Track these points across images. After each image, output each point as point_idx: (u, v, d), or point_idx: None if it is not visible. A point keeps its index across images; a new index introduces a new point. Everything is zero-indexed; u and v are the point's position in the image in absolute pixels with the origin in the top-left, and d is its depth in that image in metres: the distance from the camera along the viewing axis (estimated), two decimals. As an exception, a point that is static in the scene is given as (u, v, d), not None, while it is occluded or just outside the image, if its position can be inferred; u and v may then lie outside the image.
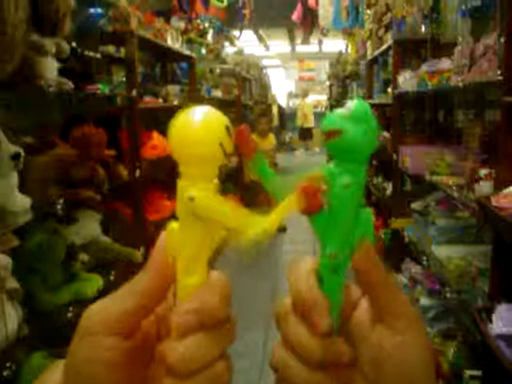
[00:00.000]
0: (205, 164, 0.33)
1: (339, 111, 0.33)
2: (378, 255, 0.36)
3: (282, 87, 15.16)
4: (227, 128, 0.33)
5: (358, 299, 0.38)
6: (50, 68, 1.98)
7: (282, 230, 5.83)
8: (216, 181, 0.34)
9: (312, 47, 12.03)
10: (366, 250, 0.36)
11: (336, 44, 9.59)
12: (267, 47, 12.27)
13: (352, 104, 0.33)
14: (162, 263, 0.35)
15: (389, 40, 3.65)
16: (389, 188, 3.74)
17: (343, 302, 0.37)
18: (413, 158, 2.84)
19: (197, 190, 0.33)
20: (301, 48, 12.79)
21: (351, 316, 0.38)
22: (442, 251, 2.46)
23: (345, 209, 0.34)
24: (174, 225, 0.35)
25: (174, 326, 0.34)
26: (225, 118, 0.33)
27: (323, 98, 13.83)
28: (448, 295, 2.34)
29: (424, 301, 2.63)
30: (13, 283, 1.75)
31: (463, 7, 2.66)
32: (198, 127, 0.32)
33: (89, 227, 2.37)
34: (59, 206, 1.97)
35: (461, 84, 2.20)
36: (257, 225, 0.33)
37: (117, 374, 0.34)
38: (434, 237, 2.58)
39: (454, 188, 2.30)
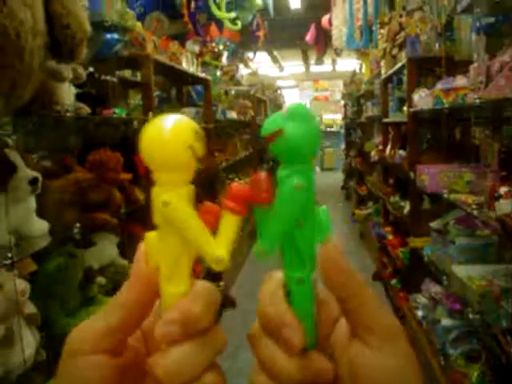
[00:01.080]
0: (177, 168, 0.33)
1: (277, 113, 0.34)
2: (344, 259, 0.34)
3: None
4: (196, 132, 0.33)
5: (340, 313, 0.36)
6: (67, 93, 2.01)
7: None
8: (191, 186, 0.34)
9: (326, 67, 12.09)
10: (327, 254, 0.33)
11: (350, 63, 9.63)
12: (281, 68, 12.36)
13: (289, 105, 0.34)
14: (142, 274, 0.34)
15: (403, 59, 3.65)
16: (406, 207, 3.70)
17: (321, 316, 0.35)
18: (430, 176, 2.81)
19: (171, 195, 0.33)
20: (315, 68, 12.86)
21: (332, 331, 0.36)
22: (462, 270, 2.42)
23: (295, 211, 0.34)
24: (152, 234, 0.35)
25: (157, 338, 0.33)
26: (194, 123, 0.34)
27: (338, 117, 13.86)
28: (470, 316, 2.29)
29: (445, 321, 2.58)
30: (31, 308, 1.76)
31: (477, 24, 2.65)
32: (166, 132, 0.32)
33: (106, 250, 2.38)
34: (76, 230, 1.98)
35: (478, 101, 2.19)
36: (213, 250, 0.33)
37: None
38: (453, 256, 2.54)
39: (474, 206, 2.26)
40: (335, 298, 0.34)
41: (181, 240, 0.34)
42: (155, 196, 0.33)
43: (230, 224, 0.34)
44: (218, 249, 0.33)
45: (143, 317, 0.36)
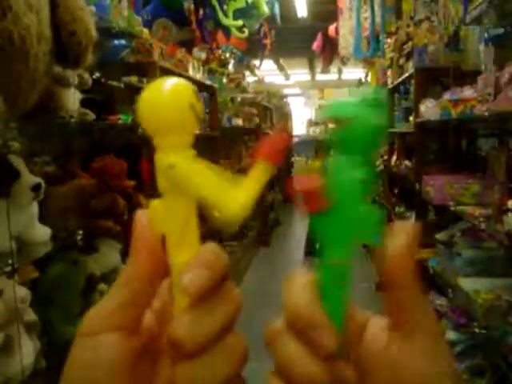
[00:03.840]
0: (179, 130, 0.31)
1: (349, 98, 0.31)
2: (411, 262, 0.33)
3: (301, 115, 15.16)
4: (195, 91, 0.32)
5: (366, 320, 0.35)
6: (73, 99, 2.00)
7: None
8: (193, 150, 0.32)
9: (332, 75, 12.09)
10: (399, 255, 0.32)
11: (356, 72, 9.62)
12: (287, 76, 12.37)
13: (365, 91, 0.31)
14: (147, 244, 0.33)
15: (410, 68, 3.63)
16: (411, 218, 3.68)
17: (348, 323, 0.33)
18: (436, 187, 2.78)
19: (175, 157, 0.31)
20: (321, 76, 12.86)
21: (360, 338, 0.35)
22: (468, 284, 2.38)
23: (354, 206, 0.31)
24: (156, 202, 0.33)
25: (183, 288, 0.31)
26: (190, 83, 0.32)
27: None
28: (476, 330, 2.25)
29: (450, 335, 2.54)
30: (31, 316, 1.74)
31: (486, 35, 2.64)
32: (166, 92, 0.31)
33: (109, 257, 2.35)
34: (79, 237, 1.96)
35: (486, 113, 2.16)
36: (233, 201, 0.31)
37: (122, 378, 0.31)
38: (459, 268, 2.50)
39: (481, 219, 2.24)
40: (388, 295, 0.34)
41: (188, 205, 0.32)
42: (159, 162, 0.32)
43: (260, 172, 0.33)
44: (240, 198, 0.32)
45: (153, 288, 0.34)
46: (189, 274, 0.31)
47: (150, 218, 0.33)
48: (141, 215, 0.34)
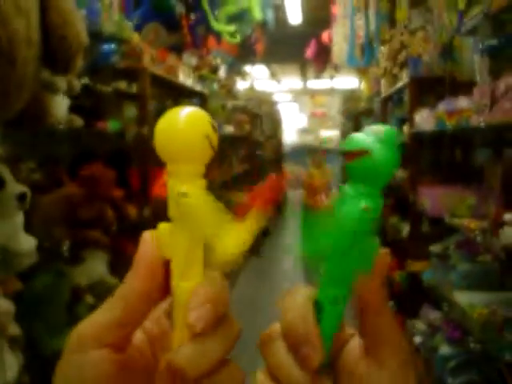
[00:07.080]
0: (193, 159, 0.33)
1: (366, 132, 0.33)
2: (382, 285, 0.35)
3: (292, 123, 15.08)
4: (211, 122, 0.33)
5: (349, 336, 0.37)
6: (61, 105, 1.95)
7: None
8: (204, 179, 0.34)
9: (324, 82, 12.10)
10: (371, 284, 0.34)
11: (348, 80, 9.64)
12: (279, 81, 12.36)
13: (380, 127, 0.33)
14: (148, 265, 0.34)
15: (404, 78, 3.61)
16: (405, 229, 3.63)
17: (336, 338, 0.36)
18: (431, 199, 2.75)
19: (188, 186, 0.32)
20: (313, 83, 12.87)
21: (341, 352, 0.37)
22: (463, 297, 2.35)
23: (359, 233, 0.33)
24: (164, 225, 0.34)
25: (190, 326, 0.32)
26: (208, 115, 0.34)
27: (334, 133, 13.69)
28: (471, 345, 2.22)
29: (444, 349, 2.50)
30: (14, 329, 1.68)
31: (480, 46, 2.62)
32: (183, 121, 0.32)
33: (96, 268, 2.30)
34: (65, 247, 1.91)
35: (483, 124, 2.14)
36: (227, 244, 0.33)
37: None
38: (454, 282, 2.47)
39: (477, 232, 2.20)
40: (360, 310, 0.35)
41: (196, 234, 0.33)
42: (171, 188, 0.33)
43: (254, 220, 0.34)
44: (233, 245, 0.33)
45: (148, 309, 0.34)
46: (196, 312, 0.32)
47: (158, 241, 0.34)
48: (147, 235, 0.34)
